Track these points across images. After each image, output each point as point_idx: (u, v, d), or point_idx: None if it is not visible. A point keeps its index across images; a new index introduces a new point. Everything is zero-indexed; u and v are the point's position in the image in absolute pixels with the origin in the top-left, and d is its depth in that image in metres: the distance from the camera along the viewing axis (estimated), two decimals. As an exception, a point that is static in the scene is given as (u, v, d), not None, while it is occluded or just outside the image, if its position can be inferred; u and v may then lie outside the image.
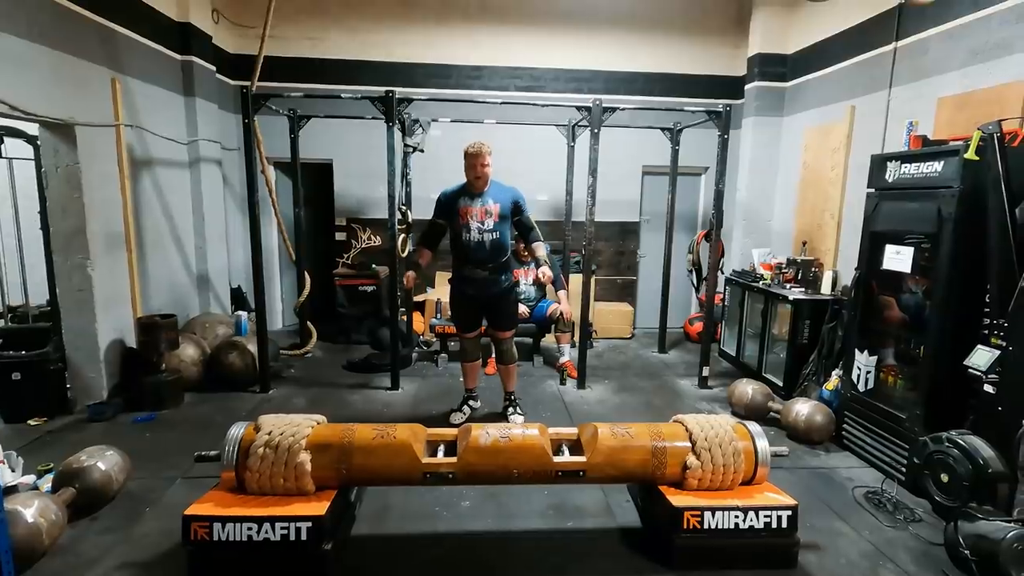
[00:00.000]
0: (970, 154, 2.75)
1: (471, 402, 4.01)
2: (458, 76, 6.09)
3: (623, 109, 4.47)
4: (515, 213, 3.57)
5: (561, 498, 2.88)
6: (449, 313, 4.17)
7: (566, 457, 2.53)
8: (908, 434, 3.06)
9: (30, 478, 2.80)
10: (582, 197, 4.55)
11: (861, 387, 3.46)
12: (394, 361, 4.53)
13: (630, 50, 6.15)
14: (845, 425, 3.58)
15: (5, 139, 3.80)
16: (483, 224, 3.47)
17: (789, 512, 2.35)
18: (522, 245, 4.84)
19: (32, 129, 3.69)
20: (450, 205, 3.52)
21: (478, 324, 3.82)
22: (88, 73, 3.81)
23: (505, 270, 3.65)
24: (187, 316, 4.98)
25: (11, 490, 2.59)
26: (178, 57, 4.93)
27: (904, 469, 3.07)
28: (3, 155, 3.86)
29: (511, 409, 3.92)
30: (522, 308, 4.83)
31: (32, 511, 2.26)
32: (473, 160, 3.43)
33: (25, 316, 4.23)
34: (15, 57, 3.21)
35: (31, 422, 3.65)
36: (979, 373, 2.72)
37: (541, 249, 3.62)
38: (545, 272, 3.54)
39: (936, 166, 2.95)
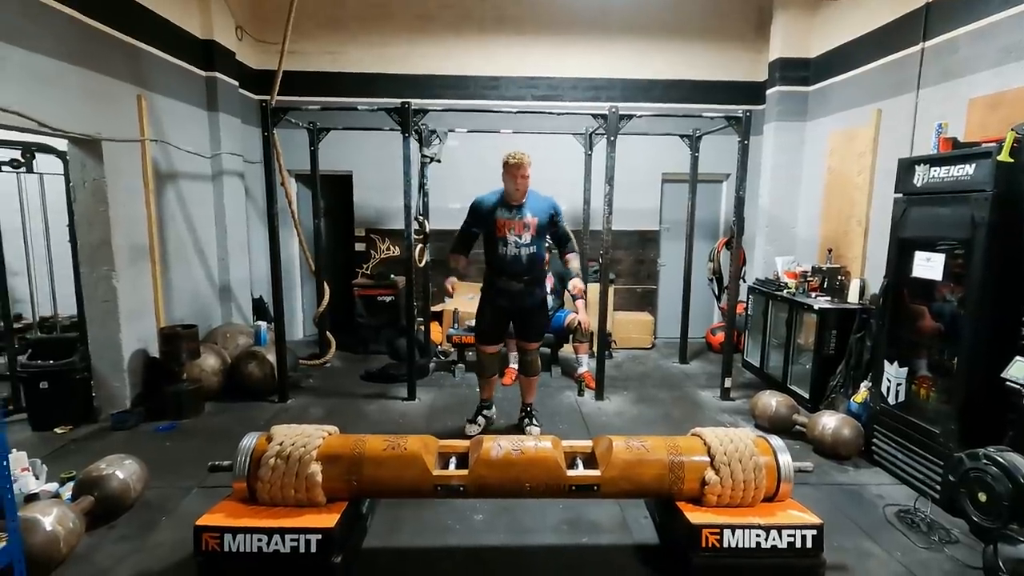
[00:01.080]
0: (1004, 156, 2.63)
1: (486, 411, 3.95)
2: (475, 87, 6.12)
3: (641, 116, 4.41)
4: (552, 224, 3.55)
5: (576, 513, 2.81)
6: (467, 324, 4.13)
7: (580, 471, 2.47)
8: (942, 450, 2.91)
9: (52, 486, 2.85)
10: (600, 205, 4.50)
11: (891, 400, 3.31)
12: (411, 371, 4.52)
13: (647, 57, 6.10)
14: (875, 439, 3.43)
15: (36, 155, 3.93)
16: (520, 238, 3.43)
17: (814, 531, 2.25)
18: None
19: (61, 145, 3.82)
20: (487, 216, 3.48)
21: (502, 337, 3.75)
22: (115, 90, 3.93)
23: (540, 282, 3.66)
24: (209, 326, 5.06)
25: (33, 497, 2.64)
26: (202, 73, 5.06)
27: (938, 487, 2.92)
28: (34, 170, 3.98)
29: (527, 420, 3.86)
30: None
31: (50, 519, 2.29)
32: (514, 171, 3.38)
33: (54, 327, 4.34)
34: (45, 75, 3.32)
35: (57, 430, 3.73)
36: (1018, 386, 2.58)
37: (575, 260, 3.64)
38: (576, 284, 3.59)
39: (968, 169, 2.83)
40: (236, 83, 5.45)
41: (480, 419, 3.89)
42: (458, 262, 3.66)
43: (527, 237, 3.43)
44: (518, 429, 3.86)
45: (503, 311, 3.61)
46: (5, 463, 1.81)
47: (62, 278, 4.54)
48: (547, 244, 3.69)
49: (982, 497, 2.56)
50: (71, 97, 3.53)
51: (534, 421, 3.87)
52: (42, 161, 4.07)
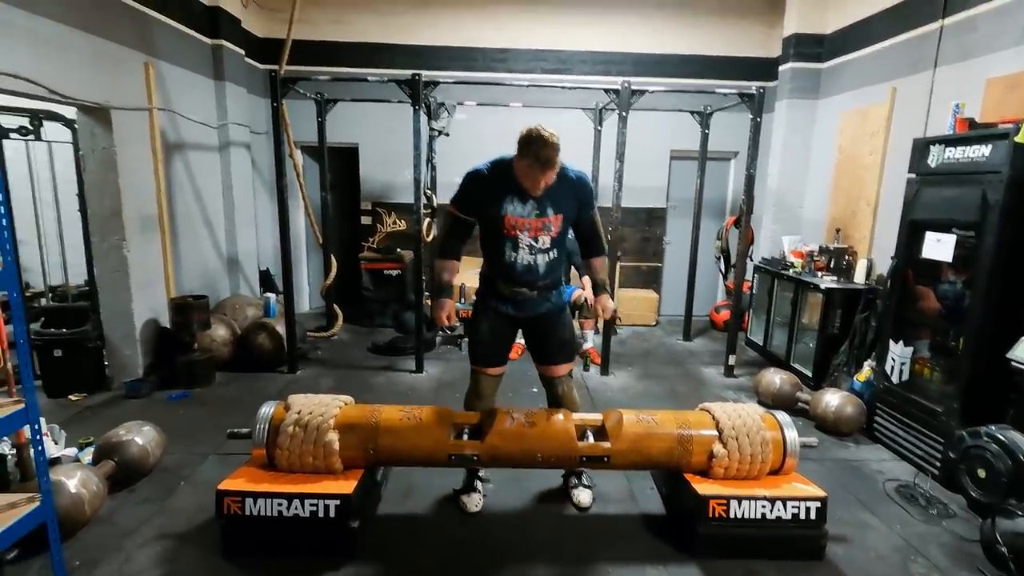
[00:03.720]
0: (1020, 137, 2.62)
1: (480, 476, 2.83)
2: (483, 59, 6.03)
3: (652, 92, 4.37)
4: (580, 210, 2.50)
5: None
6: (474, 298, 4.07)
7: (591, 442, 2.52)
8: (943, 428, 2.97)
9: (72, 451, 2.91)
10: (608, 182, 4.49)
11: (895, 379, 3.36)
12: (418, 345, 4.57)
13: (660, 31, 6.00)
14: (876, 417, 3.49)
15: (44, 122, 3.91)
16: (537, 241, 2.41)
17: (818, 503, 2.32)
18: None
19: (70, 113, 3.79)
20: (489, 205, 2.40)
21: (506, 356, 2.70)
22: (123, 57, 3.88)
23: (558, 285, 2.63)
24: (217, 297, 5.09)
25: (54, 462, 2.70)
26: (208, 41, 4.98)
27: (938, 463, 2.99)
28: (43, 138, 3.96)
29: (574, 480, 2.82)
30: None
31: (74, 482, 2.36)
32: (535, 172, 2.24)
33: (65, 295, 4.37)
34: (54, 41, 3.28)
35: (72, 397, 3.79)
36: (1023, 367, 2.62)
37: (604, 270, 2.67)
38: (605, 304, 2.64)
39: (983, 150, 2.82)
40: (242, 52, 5.37)
41: (475, 494, 2.73)
42: (452, 272, 2.61)
43: (546, 240, 2.42)
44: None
45: (507, 321, 2.59)
46: (38, 427, 1.85)
47: (71, 247, 4.57)
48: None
49: (981, 473, 2.62)
50: (79, 63, 3.48)
51: (584, 481, 2.82)
52: (50, 129, 4.06)
